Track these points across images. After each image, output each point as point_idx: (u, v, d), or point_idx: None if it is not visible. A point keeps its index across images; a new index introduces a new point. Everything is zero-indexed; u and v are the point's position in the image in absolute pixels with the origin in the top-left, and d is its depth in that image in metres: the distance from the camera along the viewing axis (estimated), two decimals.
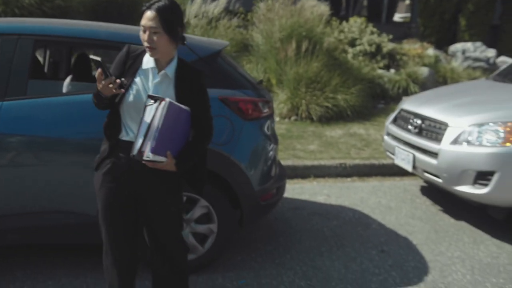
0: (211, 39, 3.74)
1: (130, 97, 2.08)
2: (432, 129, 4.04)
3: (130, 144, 2.06)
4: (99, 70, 1.96)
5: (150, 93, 2.05)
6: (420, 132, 4.18)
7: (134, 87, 2.09)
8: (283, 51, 6.80)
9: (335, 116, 6.67)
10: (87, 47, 3.74)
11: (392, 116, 4.80)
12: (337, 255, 3.48)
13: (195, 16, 7.09)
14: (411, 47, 9.97)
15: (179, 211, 2.27)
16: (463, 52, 9.97)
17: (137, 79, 2.11)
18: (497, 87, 4.65)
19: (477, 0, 10.20)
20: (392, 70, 8.81)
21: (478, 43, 10.04)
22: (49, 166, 2.84)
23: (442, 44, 10.73)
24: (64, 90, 3.27)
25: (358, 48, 8.87)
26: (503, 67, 5.46)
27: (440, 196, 4.72)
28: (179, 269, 2.32)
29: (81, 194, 2.86)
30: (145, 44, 2.02)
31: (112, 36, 3.11)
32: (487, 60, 9.74)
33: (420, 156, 4.07)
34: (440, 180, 3.92)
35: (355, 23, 9.57)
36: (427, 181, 4.72)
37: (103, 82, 1.98)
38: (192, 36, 3.53)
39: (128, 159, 2.08)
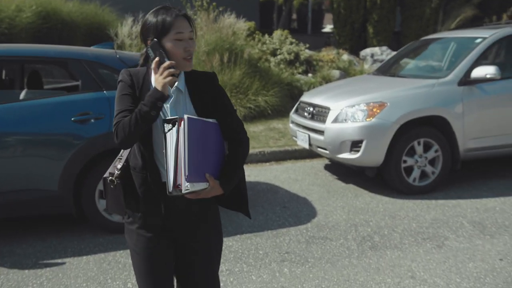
0: (138, 53, 4.77)
1: (155, 129, 1.78)
2: (320, 113, 5.20)
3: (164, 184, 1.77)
4: (156, 58, 1.74)
5: (169, 116, 1.77)
6: (312, 117, 5.32)
7: None
8: (209, 62, 7.86)
9: (257, 115, 7.78)
10: (39, 63, 4.62)
11: (294, 108, 5.95)
12: None
13: (128, 36, 8.02)
14: (327, 53, 11.33)
15: (220, 252, 2.01)
16: (372, 55, 11.44)
17: None
18: (372, 79, 5.92)
19: (380, 11, 11.73)
20: (310, 74, 10.09)
21: (384, 47, 11.55)
22: (15, 154, 3.72)
23: (355, 49, 12.19)
24: (22, 97, 4.13)
25: (279, 57, 10.09)
26: (381, 64, 6.78)
27: (338, 169, 5.89)
28: None
29: (41, 174, 3.75)
30: (185, 55, 1.77)
31: (59, 54, 4.06)
32: None
33: (313, 135, 5.21)
34: (327, 152, 5.07)
35: (276, 35, 10.83)
36: (330, 159, 5.88)
37: (163, 67, 1.71)
38: (123, 51, 4.51)
39: (169, 203, 1.83)
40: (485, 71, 4.88)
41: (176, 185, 1.70)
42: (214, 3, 9.15)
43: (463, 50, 5.47)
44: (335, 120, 4.96)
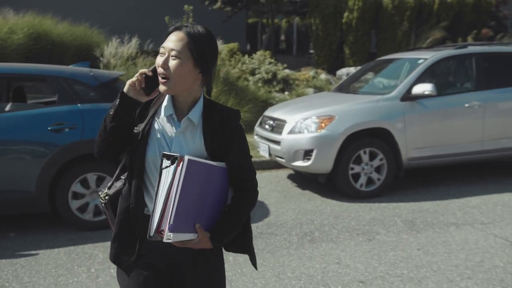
0: (111, 71, 5.35)
1: (150, 155, 1.64)
2: (278, 126, 5.75)
3: None
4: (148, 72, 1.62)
5: (171, 147, 1.62)
6: (272, 129, 5.87)
7: (154, 140, 1.65)
8: None
9: None
10: (22, 80, 5.19)
11: (258, 121, 6.51)
12: None
13: (114, 56, 8.62)
14: (304, 73, 11.97)
15: None
16: (347, 75, 12.06)
17: (156, 130, 1.66)
18: (328, 95, 6.50)
19: (355, 33, 12.42)
20: (286, 93, 10.70)
21: (359, 67, 12.19)
22: (1, 159, 4.24)
23: (333, 69, 12.85)
24: (7, 109, 4.67)
25: (257, 76, 10.72)
26: (340, 82, 7.37)
27: (299, 178, 6.42)
28: None
29: (20, 176, 4.26)
30: (159, 71, 1.59)
31: (39, 72, 4.63)
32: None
33: (272, 145, 5.75)
34: (283, 160, 5.60)
35: (256, 55, 11.49)
36: (294, 170, 6.40)
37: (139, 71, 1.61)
38: (97, 70, 5.08)
39: (146, 242, 1.65)
40: (423, 88, 5.46)
41: (159, 230, 1.52)
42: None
43: (411, 69, 6.06)
44: (291, 132, 5.51)
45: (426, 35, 11.95)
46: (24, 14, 9.66)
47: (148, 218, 1.59)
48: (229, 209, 1.69)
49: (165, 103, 1.68)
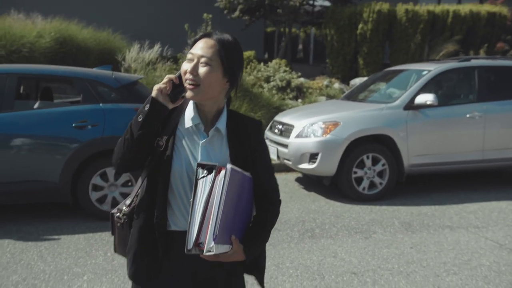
0: (131, 74, 5.79)
1: (176, 167, 1.59)
2: (286, 130, 6.07)
3: (181, 234, 1.56)
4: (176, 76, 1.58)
5: (198, 158, 1.59)
6: (281, 133, 6.20)
7: (179, 151, 1.61)
8: None
9: None
10: (50, 80, 5.62)
11: (269, 126, 6.84)
12: None
13: (134, 61, 9.06)
14: (317, 82, 12.28)
15: None
16: None
17: (180, 141, 1.63)
18: (336, 103, 6.80)
19: (369, 44, 12.68)
20: (299, 100, 11.01)
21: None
22: (27, 151, 4.64)
23: (347, 79, 13.12)
24: (35, 107, 5.09)
25: (272, 83, 11.06)
26: (348, 91, 7.66)
27: (306, 181, 6.72)
28: None
29: (46, 168, 4.66)
30: (187, 76, 1.55)
31: (66, 73, 5.04)
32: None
33: (280, 148, 6.07)
34: (290, 162, 5.91)
35: (271, 63, 11.85)
36: (302, 172, 6.70)
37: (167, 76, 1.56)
38: (119, 73, 5.49)
39: (182, 257, 1.57)
40: (426, 98, 5.72)
41: (197, 243, 1.48)
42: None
43: (417, 80, 6.34)
44: (298, 136, 5.82)
45: (440, 48, 12.16)
46: (51, 20, 10.19)
47: (170, 234, 1.60)
48: (256, 220, 1.68)
49: (190, 113, 1.64)
